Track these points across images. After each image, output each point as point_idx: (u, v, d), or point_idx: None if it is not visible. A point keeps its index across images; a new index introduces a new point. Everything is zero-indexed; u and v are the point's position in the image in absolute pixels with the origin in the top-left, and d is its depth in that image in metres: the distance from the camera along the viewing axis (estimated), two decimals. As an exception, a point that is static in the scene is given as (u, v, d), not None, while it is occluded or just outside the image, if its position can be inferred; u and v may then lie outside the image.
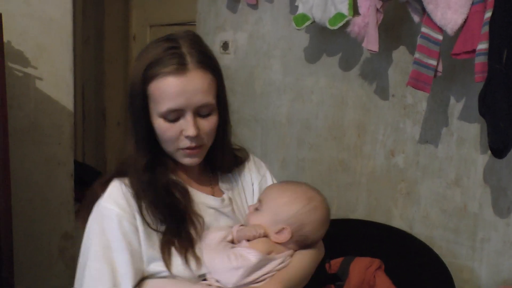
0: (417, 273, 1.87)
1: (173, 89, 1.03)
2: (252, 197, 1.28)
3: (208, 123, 1.08)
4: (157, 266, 1.06)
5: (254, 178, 1.29)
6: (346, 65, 2.16)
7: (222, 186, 1.23)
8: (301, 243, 1.16)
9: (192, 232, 1.09)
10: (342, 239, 2.00)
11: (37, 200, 2.27)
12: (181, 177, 1.17)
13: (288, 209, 1.14)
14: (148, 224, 1.06)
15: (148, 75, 1.04)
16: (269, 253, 1.10)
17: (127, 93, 1.11)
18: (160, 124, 1.06)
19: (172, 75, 1.02)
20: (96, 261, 1.04)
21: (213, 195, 1.19)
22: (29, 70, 2.15)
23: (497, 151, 1.53)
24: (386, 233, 2.04)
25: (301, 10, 2.05)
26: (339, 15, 1.90)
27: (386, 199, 2.08)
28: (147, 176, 1.08)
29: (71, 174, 2.36)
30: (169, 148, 1.10)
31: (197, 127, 1.05)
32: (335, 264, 1.90)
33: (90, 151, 3.88)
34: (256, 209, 1.17)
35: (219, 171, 1.24)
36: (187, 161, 1.11)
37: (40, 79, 2.19)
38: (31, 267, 2.27)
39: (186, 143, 1.07)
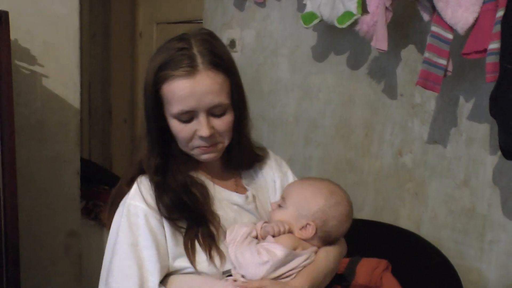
0: (425, 274, 1.85)
1: (182, 91, 1.03)
2: (274, 195, 1.29)
3: (222, 123, 1.08)
4: (182, 262, 1.08)
5: (276, 176, 1.30)
6: (354, 64, 2.15)
7: (245, 182, 1.24)
8: (325, 239, 1.17)
9: (212, 228, 1.10)
10: (348, 239, 1.98)
11: (43, 197, 2.26)
12: (204, 174, 1.18)
13: (311, 205, 1.15)
14: (162, 214, 1.08)
15: (160, 77, 1.04)
16: (295, 248, 1.11)
17: (142, 92, 1.12)
18: (174, 125, 1.07)
19: (181, 77, 1.02)
20: (123, 258, 1.06)
21: (236, 191, 1.20)
22: (35, 68, 2.14)
23: (508, 152, 1.51)
24: (393, 234, 2.03)
25: (309, 8, 2.04)
26: (348, 14, 1.88)
27: (393, 199, 2.07)
28: (158, 178, 1.10)
29: (77, 171, 2.36)
30: (184, 147, 1.11)
31: (210, 127, 1.06)
32: (341, 264, 1.88)
33: (96, 148, 3.88)
34: (279, 206, 1.18)
35: (239, 168, 1.24)
36: (204, 157, 1.12)
37: (47, 77, 2.18)
38: (36, 264, 2.27)
39: (200, 142, 1.08)
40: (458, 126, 1.87)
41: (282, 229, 1.13)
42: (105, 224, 1.16)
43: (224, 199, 1.17)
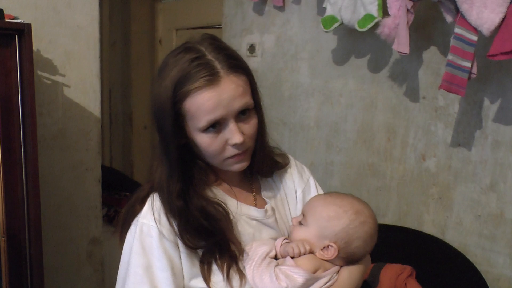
0: (451, 281, 1.82)
1: (209, 101, 0.98)
2: (295, 205, 1.24)
3: (250, 126, 1.05)
4: (198, 282, 1.04)
5: (297, 185, 1.24)
6: (375, 67, 2.12)
7: (265, 194, 1.19)
8: (348, 259, 1.11)
9: (234, 248, 1.06)
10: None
11: (65, 205, 2.28)
12: (223, 188, 1.14)
13: (334, 224, 1.09)
14: (186, 244, 1.04)
15: (180, 94, 0.99)
16: (315, 270, 1.06)
17: (153, 115, 1.06)
18: (202, 139, 1.02)
19: (204, 88, 0.97)
20: (138, 282, 1.03)
21: (255, 205, 1.16)
22: (57, 78, 2.16)
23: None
24: (418, 239, 1.99)
25: (329, 12, 2.02)
26: (369, 17, 1.85)
27: (417, 204, 2.03)
28: (181, 203, 1.04)
29: (98, 179, 2.38)
30: (215, 160, 1.07)
31: (241, 132, 1.02)
32: (365, 271, 1.86)
33: (117, 155, 3.91)
34: (300, 223, 1.13)
35: (259, 174, 1.19)
36: (236, 167, 1.08)
37: (68, 86, 2.20)
38: (60, 272, 2.29)
39: (233, 151, 1.04)
40: (483, 129, 1.83)
41: (302, 250, 1.07)
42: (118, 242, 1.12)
43: (243, 214, 1.12)
